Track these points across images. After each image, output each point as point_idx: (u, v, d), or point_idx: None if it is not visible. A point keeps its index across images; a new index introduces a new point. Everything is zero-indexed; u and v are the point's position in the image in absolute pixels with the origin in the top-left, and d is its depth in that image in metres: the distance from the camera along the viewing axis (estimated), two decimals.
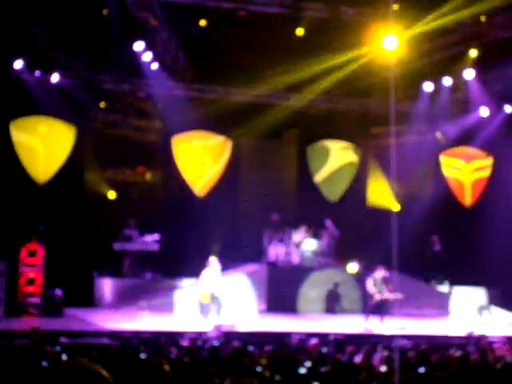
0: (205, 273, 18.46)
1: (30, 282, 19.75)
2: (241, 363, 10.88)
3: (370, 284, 18.64)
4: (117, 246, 21.83)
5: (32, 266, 19.90)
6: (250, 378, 9.31)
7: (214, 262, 18.53)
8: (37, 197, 21.27)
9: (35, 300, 19.65)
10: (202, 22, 20.35)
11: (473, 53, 21.36)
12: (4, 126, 21.34)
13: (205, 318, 18.09)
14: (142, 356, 11.69)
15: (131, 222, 21.94)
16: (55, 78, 20.88)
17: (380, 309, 18.61)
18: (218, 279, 18.53)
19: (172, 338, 14.87)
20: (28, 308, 19.51)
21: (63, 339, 14.92)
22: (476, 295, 22.38)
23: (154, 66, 21.33)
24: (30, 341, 13.19)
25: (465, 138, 24.01)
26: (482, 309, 21.24)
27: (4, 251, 19.21)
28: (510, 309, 21.87)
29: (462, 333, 17.60)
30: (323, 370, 10.72)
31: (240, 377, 9.23)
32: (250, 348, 12.70)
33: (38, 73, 20.70)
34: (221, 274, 18.76)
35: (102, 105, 22.49)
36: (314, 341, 13.90)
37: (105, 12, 19.46)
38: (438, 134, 24.31)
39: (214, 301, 18.30)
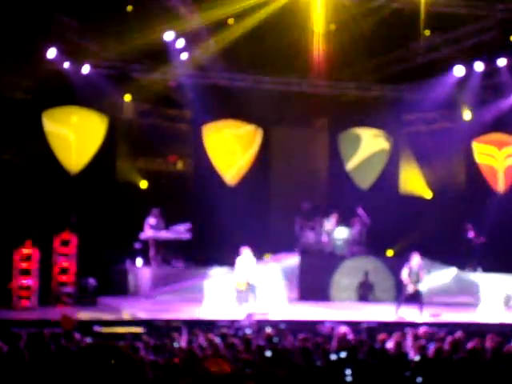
0: (240, 260, 18.47)
1: (64, 271, 19.87)
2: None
3: (404, 273, 18.53)
4: (148, 235, 21.89)
5: (65, 256, 20.02)
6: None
7: (247, 250, 18.53)
8: (69, 186, 21.42)
9: (69, 289, 19.78)
10: (231, 21, 20.35)
11: (506, 38, 21.14)
12: (37, 116, 21.50)
13: (240, 306, 18.12)
14: (175, 344, 11.73)
15: (155, 211, 21.93)
16: (86, 68, 20.96)
17: (415, 298, 18.49)
18: (253, 267, 18.54)
19: (204, 326, 14.89)
20: (62, 297, 19.65)
21: (97, 328, 15.05)
22: (508, 283, 22.20)
23: (185, 55, 21.34)
24: (64, 330, 13.27)
25: (497, 124, 23.80)
26: (508, 298, 21.06)
27: (38, 241, 19.34)
28: None
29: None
30: (356, 357, 10.70)
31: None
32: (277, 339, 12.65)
33: (69, 62, 20.77)
34: (256, 263, 18.76)
35: (127, 98, 22.43)
36: (344, 329, 13.85)
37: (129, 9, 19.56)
38: (468, 115, 23.97)
39: (250, 289, 18.32)
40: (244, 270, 18.42)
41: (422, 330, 13.96)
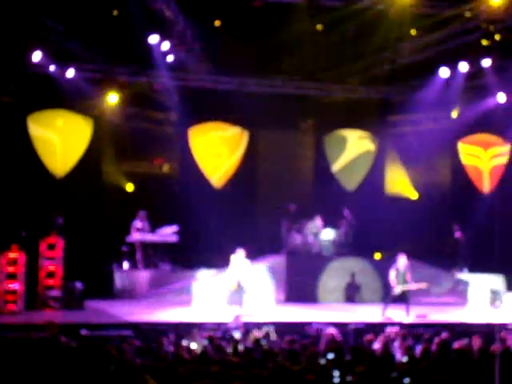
0: (233, 261, 18.51)
1: (50, 275, 19.82)
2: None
3: (392, 275, 18.57)
4: (134, 238, 21.88)
5: (52, 259, 19.96)
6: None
7: (241, 252, 18.57)
8: (55, 190, 21.37)
9: (55, 293, 19.73)
10: (217, 23, 20.39)
11: (489, 38, 21.20)
12: (22, 119, 21.44)
13: (230, 307, 18.14)
14: (165, 347, 11.74)
15: (142, 213, 21.94)
16: (71, 71, 20.91)
17: (402, 299, 18.55)
18: (246, 269, 18.57)
19: (192, 329, 14.88)
20: (48, 301, 19.59)
21: (84, 331, 15.02)
22: (494, 282, 22.28)
23: (170, 58, 21.33)
24: (48, 334, 13.23)
25: (482, 124, 23.88)
26: (494, 296, 21.14)
27: (24, 245, 19.29)
28: None
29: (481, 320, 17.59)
30: (343, 359, 10.73)
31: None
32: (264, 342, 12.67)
33: (54, 66, 20.72)
34: (249, 265, 18.79)
35: (112, 100, 22.32)
36: (332, 330, 13.88)
37: (115, 13, 19.53)
38: (455, 113, 24.07)
39: (241, 290, 18.36)
40: (236, 271, 18.46)
41: (393, 329, 14.06)
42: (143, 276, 21.73)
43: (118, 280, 21.73)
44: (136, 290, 21.51)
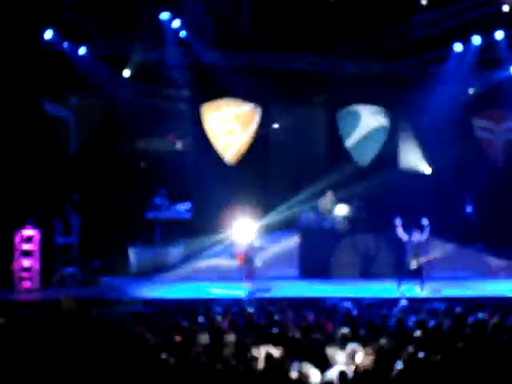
0: (241, 235, 18.58)
1: (65, 252, 19.91)
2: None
3: (408, 248, 18.61)
4: (148, 215, 21.95)
5: (66, 237, 20.06)
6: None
7: (249, 224, 18.63)
8: (69, 168, 21.44)
9: (71, 270, 19.83)
10: None
11: (503, 10, 21.08)
12: (35, 98, 21.49)
13: (244, 282, 18.21)
14: (180, 323, 11.79)
15: (162, 191, 22.03)
16: (83, 49, 20.94)
17: (417, 273, 18.56)
18: (254, 242, 18.62)
19: (206, 305, 14.94)
20: (63, 278, 19.69)
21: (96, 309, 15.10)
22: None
23: (182, 33, 21.30)
24: (65, 311, 13.31)
25: (495, 98, 23.76)
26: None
27: (38, 222, 19.38)
28: None
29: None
30: (359, 333, 10.76)
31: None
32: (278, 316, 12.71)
33: (66, 44, 20.76)
34: (257, 237, 18.85)
35: (126, 73, 22.34)
36: (347, 304, 13.92)
37: None
38: (471, 90, 24.07)
39: (249, 263, 18.41)
40: (244, 244, 18.53)
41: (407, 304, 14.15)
42: (156, 253, 21.79)
43: (134, 257, 21.79)
44: (152, 267, 21.56)
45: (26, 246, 19.04)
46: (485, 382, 8.69)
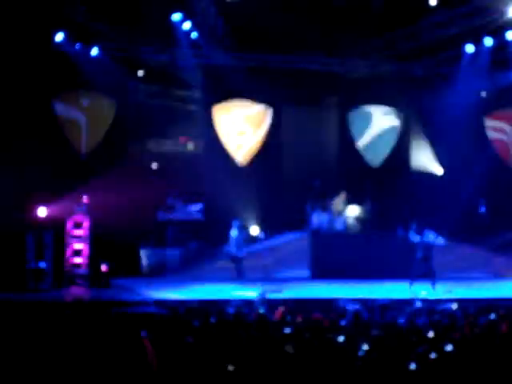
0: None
1: (77, 253, 19.97)
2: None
3: (417, 249, 18.58)
4: (160, 216, 22.00)
5: (78, 238, 20.11)
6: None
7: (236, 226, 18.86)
8: (81, 169, 21.49)
9: (82, 271, 19.89)
10: None
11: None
12: (47, 99, 21.56)
13: (256, 284, 18.30)
14: (192, 324, 11.79)
15: (174, 192, 22.08)
16: (95, 50, 21.02)
17: (428, 274, 18.53)
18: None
19: (218, 306, 14.95)
20: (75, 279, 19.75)
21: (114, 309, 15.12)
22: None
23: (194, 35, 21.35)
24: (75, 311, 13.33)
25: (507, 98, 23.75)
26: None
27: (50, 223, 19.44)
28: None
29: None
30: (372, 334, 10.74)
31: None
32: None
33: (78, 45, 20.84)
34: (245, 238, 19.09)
35: (139, 75, 22.43)
36: (356, 306, 13.90)
37: None
38: (483, 93, 24.09)
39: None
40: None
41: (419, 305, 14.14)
42: (171, 254, 21.83)
43: (146, 259, 21.84)
44: (164, 269, 21.61)
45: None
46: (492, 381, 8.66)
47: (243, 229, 20.19)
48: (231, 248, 20.32)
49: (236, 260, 20.19)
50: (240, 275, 20.06)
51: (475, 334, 10.93)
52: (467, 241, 22.44)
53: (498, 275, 22.07)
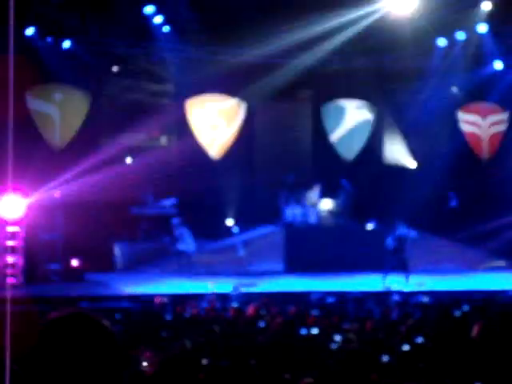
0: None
1: (49, 248, 19.85)
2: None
3: (390, 242, 18.66)
4: (133, 211, 21.92)
5: (51, 233, 20.00)
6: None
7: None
8: (54, 163, 21.34)
9: (55, 266, 19.77)
10: None
11: (486, 6, 21.21)
12: (20, 93, 21.37)
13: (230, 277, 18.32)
14: (165, 318, 11.78)
15: (147, 186, 21.99)
16: (67, 44, 20.89)
17: (401, 267, 18.64)
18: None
19: (191, 300, 14.94)
20: (48, 275, 19.64)
21: (84, 304, 15.07)
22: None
23: (166, 28, 21.27)
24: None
25: (480, 92, 23.89)
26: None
27: (24, 219, 19.31)
28: None
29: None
30: (345, 327, 10.77)
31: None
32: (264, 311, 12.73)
33: (49, 39, 20.69)
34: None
35: (109, 69, 22.33)
36: (331, 300, 13.95)
37: None
38: (454, 88, 24.22)
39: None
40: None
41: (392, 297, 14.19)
42: (141, 248, 21.78)
43: (119, 253, 21.77)
44: (137, 263, 21.55)
45: (10, 243, 18.96)
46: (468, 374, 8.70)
47: (184, 225, 20.22)
48: (180, 245, 20.33)
49: (186, 256, 20.21)
50: (191, 270, 20.08)
51: (448, 327, 10.99)
52: (439, 233, 22.60)
53: (469, 268, 22.25)
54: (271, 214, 22.51)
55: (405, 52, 22.96)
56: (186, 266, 20.49)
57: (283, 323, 10.85)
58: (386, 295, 16.29)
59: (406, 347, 9.19)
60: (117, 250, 21.78)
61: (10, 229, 18.92)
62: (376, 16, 20.79)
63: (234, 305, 13.72)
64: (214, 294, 16.39)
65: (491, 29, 21.93)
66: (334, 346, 9.05)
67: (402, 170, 24.82)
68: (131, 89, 23.12)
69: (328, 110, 24.64)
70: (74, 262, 19.80)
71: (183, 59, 22.29)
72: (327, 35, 21.44)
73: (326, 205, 22.40)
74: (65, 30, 20.56)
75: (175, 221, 20.85)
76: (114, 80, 22.65)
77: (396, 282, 18.34)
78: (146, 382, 6.89)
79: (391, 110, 25.05)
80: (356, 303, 14.86)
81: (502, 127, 24.13)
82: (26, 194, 19.02)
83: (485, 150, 24.33)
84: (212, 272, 20.20)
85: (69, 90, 22.00)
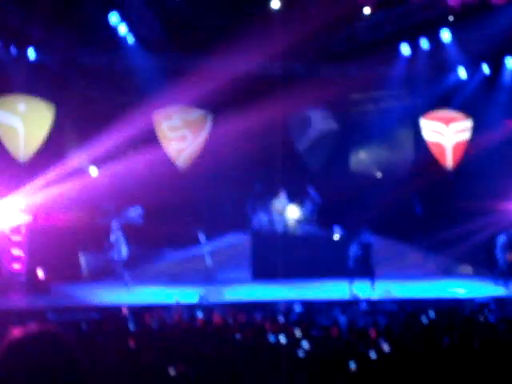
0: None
1: (15, 259, 19.70)
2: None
3: (354, 249, 18.76)
4: (99, 221, 21.83)
5: (16, 244, 19.85)
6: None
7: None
8: (20, 175, 21.21)
9: (20, 278, 19.62)
10: None
11: (449, 14, 21.41)
12: None
13: (197, 287, 18.26)
14: (131, 328, 11.73)
15: (113, 197, 21.93)
16: (31, 54, 20.77)
17: (367, 273, 18.74)
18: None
19: (158, 311, 14.89)
20: (13, 286, 19.48)
21: (50, 316, 14.97)
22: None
23: (130, 38, 21.23)
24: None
25: (443, 100, 24.08)
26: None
27: None
28: None
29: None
30: (314, 335, 10.80)
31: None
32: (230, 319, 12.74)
33: (13, 50, 20.56)
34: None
35: (75, 79, 22.23)
36: (298, 308, 13.98)
37: None
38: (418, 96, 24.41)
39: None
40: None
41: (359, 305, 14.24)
42: (107, 258, 21.69)
43: (86, 264, 21.66)
44: (104, 273, 21.45)
45: None
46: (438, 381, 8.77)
47: (121, 230, 20.14)
48: (112, 253, 20.22)
49: (116, 264, 20.11)
50: (122, 280, 19.94)
51: (414, 333, 11.06)
52: (404, 240, 22.76)
53: (433, 274, 22.42)
54: (239, 222, 22.55)
55: (368, 60, 23.13)
56: (119, 276, 20.27)
57: (251, 331, 10.87)
58: (352, 303, 16.35)
59: (373, 354, 9.24)
60: (83, 261, 21.67)
61: None
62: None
63: (200, 315, 13.70)
64: (180, 304, 16.36)
65: (455, 36, 22.13)
66: (301, 354, 9.08)
67: (366, 178, 24.96)
68: (97, 100, 23.01)
69: (294, 120, 24.74)
70: (40, 273, 19.65)
71: (150, 70, 22.24)
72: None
73: (293, 213, 22.48)
74: (29, 40, 20.45)
75: (114, 224, 20.58)
76: (79, 91, 22.53)
77: (362, 290, 18.42)
78: None
79: (356, 118, 25.18)
80: (323, 311, 14.90)
81: (466, 135, 24.31)
82: None
83: (449, 159, 24.51)
84: (178, 281, 20.16)
85: (33, 101, 21.87)
